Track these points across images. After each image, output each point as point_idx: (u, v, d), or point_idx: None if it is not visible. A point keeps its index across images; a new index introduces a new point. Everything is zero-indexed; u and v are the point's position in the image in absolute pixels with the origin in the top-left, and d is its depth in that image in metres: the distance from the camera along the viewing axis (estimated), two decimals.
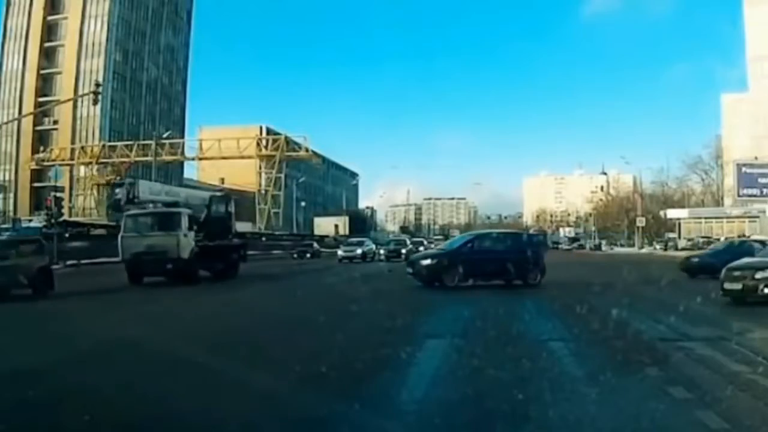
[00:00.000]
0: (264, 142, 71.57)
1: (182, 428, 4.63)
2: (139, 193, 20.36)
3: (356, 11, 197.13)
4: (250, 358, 6.95)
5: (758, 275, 11.85)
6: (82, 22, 77.56)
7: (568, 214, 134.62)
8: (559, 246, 78.56)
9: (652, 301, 12.15)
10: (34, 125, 75.96)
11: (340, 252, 40.00)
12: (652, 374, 5.86)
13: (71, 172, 70.42)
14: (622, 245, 77.26)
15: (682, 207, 71.58)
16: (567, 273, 22.67)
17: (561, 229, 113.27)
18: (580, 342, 7.93)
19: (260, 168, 72.43)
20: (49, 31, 79.14)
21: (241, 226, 47.88)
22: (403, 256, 34.43)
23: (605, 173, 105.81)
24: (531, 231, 71.19)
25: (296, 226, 76.73)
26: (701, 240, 53.29)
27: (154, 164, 57.86)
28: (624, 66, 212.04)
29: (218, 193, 27.81)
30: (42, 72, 77.44)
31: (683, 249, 49.29)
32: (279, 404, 5.18)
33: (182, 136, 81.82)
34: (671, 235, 66.46)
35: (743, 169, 62.66)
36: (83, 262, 29.22)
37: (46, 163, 67.27)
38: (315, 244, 51.83)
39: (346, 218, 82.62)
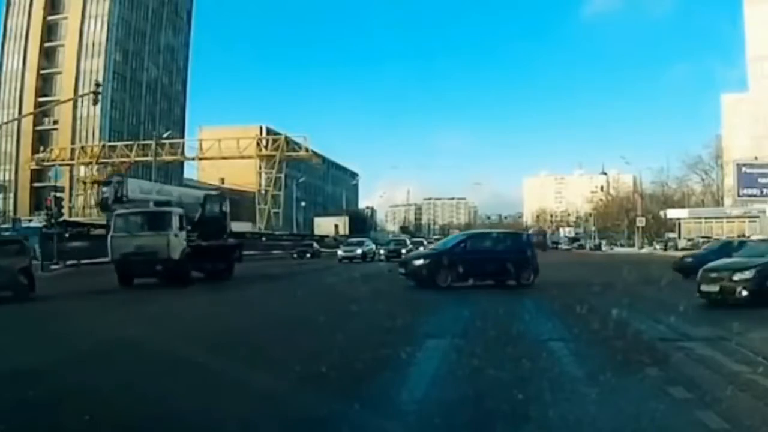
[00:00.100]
0: (264, 142, 71.50)
1: (182, 428, 4.62)
2: (127, 191, 19.79)
3: (356, 11, 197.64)
4: (250, 358, 6.95)
5: (736, 277, 11.17)
6: (82, 22, 77.55)
7: (568, 214, 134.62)
8: (559, 246, 78.71)
9: (652, 301, 12.13)
10: (34, 125, 75.96)
11: (340, 252, 39.99)
12: (652, 374, 5.86)
13: (71, 172, 70.26)
14: (622, 245, 77.18)
15: (682, 207, 71.50)
16: (567, 273, 22.69)
17: (561, 229, 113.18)
18: (580, 342, 7.93)
19: (260, 168, 72.36)
20: (49, 31, 79.14)
21: (241, 226, 48.17)
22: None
23: (605, 173, 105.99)
24: (531, 231, 71.10)
25: (296, 226, 76.66)
26: (701, 240, 53.17)
27: (154, 164, 57.78)
28: (624, 66, 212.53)
29: (213, 192, 27.27)
30: (42, 72, 77.44)
31: (683, 249, 49.16)
32: (279, 404, 5.17)
33: (182, 136, 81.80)
34: (671, 235, 66.34)
35: (743, 169, 62.63)
36: (83, 262, 29.24)
37: (46, 163, 67.17)
38: (315, 244, 51.86)
39: (346, 218, 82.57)
